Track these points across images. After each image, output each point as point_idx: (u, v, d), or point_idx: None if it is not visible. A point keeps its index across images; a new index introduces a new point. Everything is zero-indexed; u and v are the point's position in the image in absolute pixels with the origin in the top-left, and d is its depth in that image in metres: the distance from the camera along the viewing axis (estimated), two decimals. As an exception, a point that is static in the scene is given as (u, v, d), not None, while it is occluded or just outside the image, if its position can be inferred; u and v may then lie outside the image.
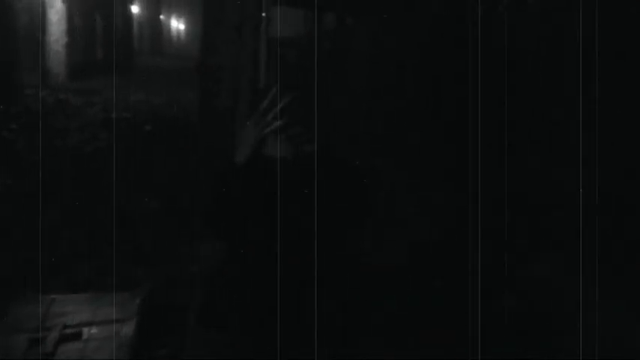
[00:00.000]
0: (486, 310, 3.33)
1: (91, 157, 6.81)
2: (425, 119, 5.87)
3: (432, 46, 5.97)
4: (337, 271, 1.92)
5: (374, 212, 1.97)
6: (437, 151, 5.59)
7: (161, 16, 36.55)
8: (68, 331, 2.39)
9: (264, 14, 6.96)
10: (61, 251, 4.19)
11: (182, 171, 6.08)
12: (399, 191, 4.91)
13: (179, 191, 5.46)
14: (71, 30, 14.07)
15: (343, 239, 1.98)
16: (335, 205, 1.89)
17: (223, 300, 1.91)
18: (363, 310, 2.03)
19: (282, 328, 1.82)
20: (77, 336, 2.35)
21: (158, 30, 35.45)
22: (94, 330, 2.38)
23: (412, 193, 5.12)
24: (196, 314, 2.42)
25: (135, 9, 23.46)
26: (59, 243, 4.33)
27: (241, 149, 1.86)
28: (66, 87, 12.63)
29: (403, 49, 6.37)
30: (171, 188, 5.62)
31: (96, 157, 6.85)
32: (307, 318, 1.83)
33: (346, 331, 1.92)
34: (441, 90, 5.62)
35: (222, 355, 1.87)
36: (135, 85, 13.87)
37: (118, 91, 12.71)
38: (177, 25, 45.09)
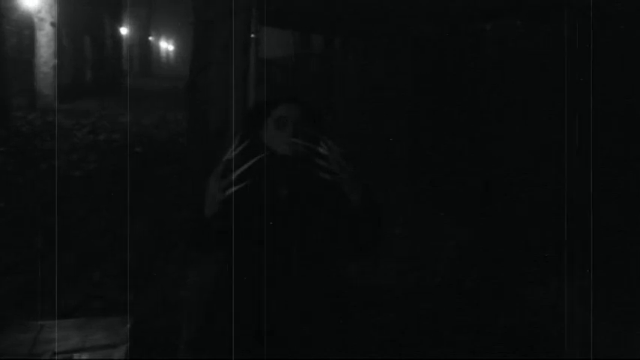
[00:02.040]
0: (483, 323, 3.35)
1: (80, 179, 6.79)
2: (417, 139, 5.91)
3: (420, 66, 6.03)
4: (334, 291, 1.86)
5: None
6: (427, 171, 5.62)
7: (150, 38, 36.67)
8: (58, 357, 2.37)
9: (252, 35, 7.01)
10: (49, 276, 4.15)
11: (172, 192, 6.06)
12: (389, 209, 4.93)
13: (169, 213, 5.43)
14: (60, 52, 14.09)
15: (339, 259, 1.90)
16: (331, 225, 1.82)
17: (215, 324, 1.87)
18: (360, 328, 1.97)
19: (273, 350, 1.79)
20: (67, 363, 2.33)
21: (147, 51, 35.55)
22: (84, 356, 2.36)
23: (403, 212, 5.15)
24: (188, 339, 2.38)
25: (124, 31, 23.53)
26: (47, 268, 4.29)
27: (208, 205, 1.71)
28: (55, 109, 12.62)
29: (391, 71, 6.42)
30: (161, 210, 5.60)
31: (85, 179, 6.83)
32: (303, 338, 1.79)
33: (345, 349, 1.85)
34: (433, 110, 5.67)
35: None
36: (124, 107, 13.87)
37: (107, 113, 12.71)
38: (166, 46, 45.26)
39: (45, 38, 13.36)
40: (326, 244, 1.84)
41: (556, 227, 3.82)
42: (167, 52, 45.62)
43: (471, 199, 4.88)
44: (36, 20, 13.21)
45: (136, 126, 11.29)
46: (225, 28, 7.01)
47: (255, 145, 1.86)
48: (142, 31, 34.35)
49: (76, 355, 2.38)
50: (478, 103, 5.07)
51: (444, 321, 3.45)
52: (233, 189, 1.68)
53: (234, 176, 1.68)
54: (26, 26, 13.49)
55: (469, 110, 5.13)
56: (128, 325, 2.62)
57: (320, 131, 1.84)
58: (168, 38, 44.67)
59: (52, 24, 13.42)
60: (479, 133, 5.05)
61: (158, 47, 42.67)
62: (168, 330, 2.94)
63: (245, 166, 1.70)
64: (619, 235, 3.71)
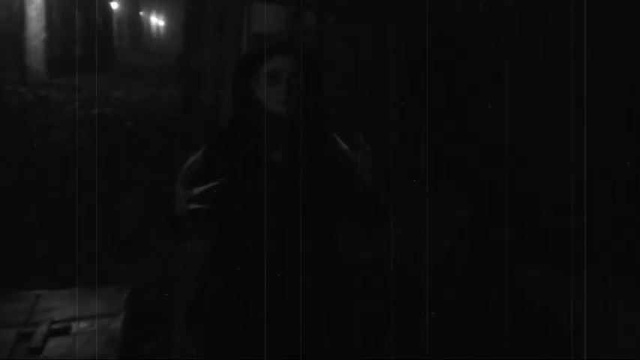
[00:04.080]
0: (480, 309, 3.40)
1: (72, 154, 6.79)
2: (406, 119, 5.93)
3: (412, 44, 6.03)
4: (326, 265, 1.78)
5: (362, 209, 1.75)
6: (420, 150, 5.65)
7: (141, 13, 36.28)
8: (56, 326, 2.42)
9: (245, 11, 6.99)
10: (43, 248, 4.20)
11: (164, 168, 6.07)
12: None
13: (160, 188, 5.44)
14: (50, 26, 13.93)
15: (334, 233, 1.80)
16: (325, 200, 1.73)
17: (210, 297, 1.82)
18: (354, 306, 1.92)
19: (269, 325, 1.75)
20: (66, 330, 2.38)
21: (138, 26, 35.19)
22: (82, 324, 2.41)
23: (396, 189, 5.17)
24: (183, 311, 2.40)
25: (114, 5, 23.30)
26: (42, 240, 4.33)
27: (177, 208, 1.61)
28: (46, 83, 12.52)
29: (383, 48, 6.43)
30: (153, 185, 5.62)
31: (77, 153, 6.83)
32: (296, 315, 1.76)
33: (337, 328, 1.80)
34: (424, 88, 5.68)
35: (209, 349, 1.81)
36: (115, 82, 13.80)
37: (98, 88, 12.64)
38: (157, 21, 44.78)
39: (35, 12, 13.19)
40: (326, 215, 1.74)
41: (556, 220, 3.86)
42: (158, 27, 45.13)
43: (471, 178, 4.90)
44: (26, -7, 13.06)
45: (127, 101, 11.26)
46: (218, 4, 7.01)
47: (247, 101, 1.73)
48: (133, 5, 33.96)
49: (74, 324, 2.44)
50: (475, 85, 5.10)
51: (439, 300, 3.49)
52: (195, 206, 1.56)
53: (196, 192, 1.56)
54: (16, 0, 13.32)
55: (465, 94, 5.16)
56: (124, 296, 2.67)
57: (320, 90, 1.73)
58: (158, 13, 44.16)
59: (43, -3, 13.27)
60: (475, 115, 5.08)
61: (149, 22, 42.22)
62: (164, 301, 2.99)
63: (204, 188, 1.57)
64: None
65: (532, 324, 3.35)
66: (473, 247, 4.22)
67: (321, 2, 7.57)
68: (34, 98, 10.54)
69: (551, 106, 4.32)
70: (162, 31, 45.36)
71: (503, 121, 4.73)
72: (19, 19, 13.20)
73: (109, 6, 21.73)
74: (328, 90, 1.82)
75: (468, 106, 5.20)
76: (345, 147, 1.65)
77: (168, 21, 44.14)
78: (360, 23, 6.98)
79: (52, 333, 2.37)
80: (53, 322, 2.46)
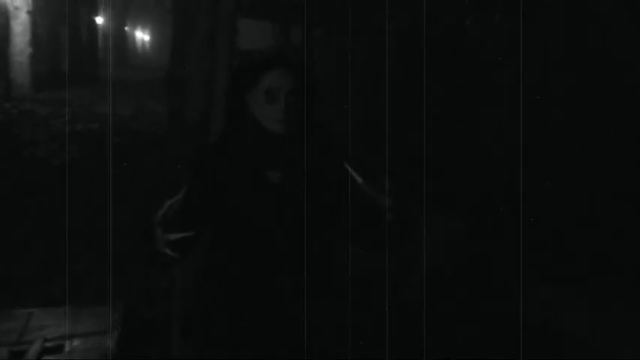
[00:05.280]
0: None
1: (59, 169, 6.74)
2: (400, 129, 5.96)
3: (398, 57, 6.08)
4: (323, 277, 1.75)
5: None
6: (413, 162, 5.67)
7: (126, 28, 36.26)
8: (49, 344, 2.39)
9: (232, 27, 7.01)
10: (33, 266, 4.15)
11: (152, 183, 6.05)
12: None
13: (148, 203, 5.40)
14: (35, 41, 13.90)
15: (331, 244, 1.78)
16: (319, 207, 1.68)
17: (202, 312, 1.82)
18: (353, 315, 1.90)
19: (265, 336, 1.75)
20: (59, 349, 2.35)
21: (124, 41, 35.16)
22: (75, 343, 2.38)
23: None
24: (178, 327, 2.38)
25: (100, 20, 23.26)
26: (31, 257, 4.29)
27: (157, 243, 1.57)
28: (31, 98, 12.46)
29: (370, 61, 6.47)
30: (141, 200, 5.59)
31: (63, 169, 6.78)
32: (292, 325, 1.75)
33: (335, 336, 1.79)
34: (413, 99, 5.72)
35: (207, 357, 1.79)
36: (100, 96, 13.74)
37: (83, 103, 12.58)
38: (142, 36, 44.77)
39: (20, 27, 13.17)
40: (325, 235, 1.71)
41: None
42: (143, 42, 45.12)
43: (460, 192, 4.91)
44: (11, 9, 13.02)
45: (113, 116, 11.20)
46: (206, 20, 7.02)
47: (240, 116, 1.69)
48: (118, 20, 33.94)
49: (67, 342, 2.41)
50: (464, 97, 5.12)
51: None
52: (169, 251, 1.54)
53: (172, 238, 1.53)
54: (1, 15, 13.26)
55: (454, 105, 5.19)
56: (118, 313, 2.64)
57: (316, 102, 1.69)
58: (144, 28, 44.17)
59: (28, 12, 13.24)
60: (465, 127, 5.10)
61: (134, 37, 42.20)
62: (157, 318, 2.97)
63: (179, 236, 1.54)
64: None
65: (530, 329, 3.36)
66: (470, 258, 4.23)
67: (309, 18, 7.60)
68: (19, 113, 10.47)
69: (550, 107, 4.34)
70: (147, 46, 45.35)
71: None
72: (4, 34, 13.16)
73: (95, 21, 21.71)
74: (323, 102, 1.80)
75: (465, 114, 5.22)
76: (360, 180, 1.58)
77: (155, 36, 44.16)
78: (347, 38, 7.01)
79: (46, 351, 2.34)
80: (46, 340, 2.43)
